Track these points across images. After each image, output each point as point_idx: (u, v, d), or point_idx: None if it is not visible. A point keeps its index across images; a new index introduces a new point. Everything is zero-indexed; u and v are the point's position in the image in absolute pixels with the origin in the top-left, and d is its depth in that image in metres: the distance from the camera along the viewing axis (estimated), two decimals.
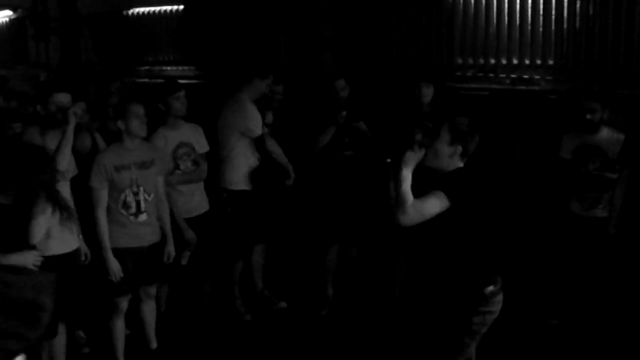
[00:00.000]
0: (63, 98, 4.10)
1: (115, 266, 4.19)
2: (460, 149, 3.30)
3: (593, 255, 4.66)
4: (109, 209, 4.21)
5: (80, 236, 4.18)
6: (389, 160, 3.94)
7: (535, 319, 4.91)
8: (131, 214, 4.24)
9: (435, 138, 3.31)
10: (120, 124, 4.24)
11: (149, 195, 4.31)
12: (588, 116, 4.57)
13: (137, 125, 4.24)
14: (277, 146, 5.17)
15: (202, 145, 4.91)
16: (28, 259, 3.16)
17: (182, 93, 4.76)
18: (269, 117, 5.33)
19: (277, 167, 5.18)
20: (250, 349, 4.80)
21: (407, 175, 3.20)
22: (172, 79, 5.55)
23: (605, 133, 4.63)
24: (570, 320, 4.81)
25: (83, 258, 4.21)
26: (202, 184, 4.93)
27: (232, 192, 5.12)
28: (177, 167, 4.76)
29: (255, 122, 5.03)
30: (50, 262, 3.50)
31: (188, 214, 4.77)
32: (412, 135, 5.00)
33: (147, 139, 4.48)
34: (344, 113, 5.03)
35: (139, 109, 4.25)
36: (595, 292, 4.69)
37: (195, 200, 4.85)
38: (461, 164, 3.34)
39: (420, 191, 3.19)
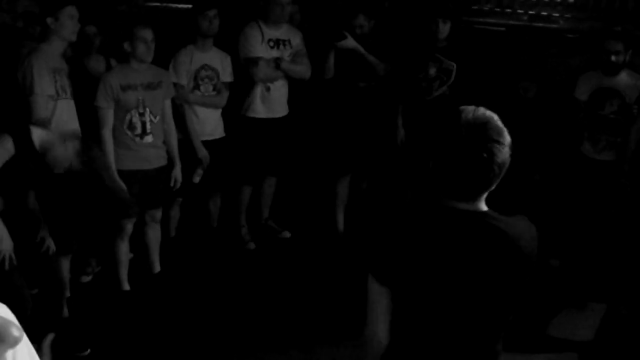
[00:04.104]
0: (73, 11, 3.95)
1: (120, 187, 4.16)
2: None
3: (601, 198, 4.63)
4: (114, 130, 4.18)
5: None
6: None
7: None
8: (136, 135, 4.21)
9: None
10: (127, 46, 4.16)
11: (155, 117, 4.27)
12: (612, 58, 4.46)
13: (143, 50, 4.17)
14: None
15: (227, 74, 4.82)
16: None
17: (212, 12, 4.61)
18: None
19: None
20: (250, 277, 4.83)
21: None
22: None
23: (625, 76, 4.54)
24: (571, 262, 4.81)
25: None
26: (219, 112, 4.86)
27: (247, 119, 5.05)
28: (197, 87, 4.71)
29: (245, 45, 4.89)
30: None
31: (201, 137, 4.73)
32: (425, 69, 4.95)
33: (174, 55, 4.53)
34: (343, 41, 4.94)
35: (146, 33, 4.16)
36: (599, 235, 4.68)
37: (209, 124, 4.80)
38: None
39: None
